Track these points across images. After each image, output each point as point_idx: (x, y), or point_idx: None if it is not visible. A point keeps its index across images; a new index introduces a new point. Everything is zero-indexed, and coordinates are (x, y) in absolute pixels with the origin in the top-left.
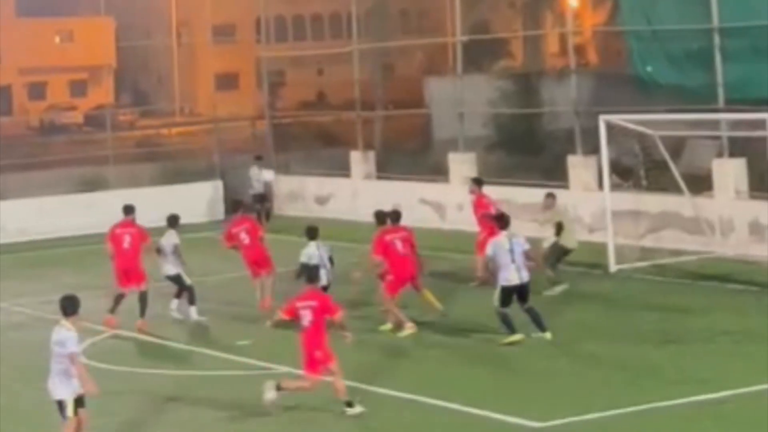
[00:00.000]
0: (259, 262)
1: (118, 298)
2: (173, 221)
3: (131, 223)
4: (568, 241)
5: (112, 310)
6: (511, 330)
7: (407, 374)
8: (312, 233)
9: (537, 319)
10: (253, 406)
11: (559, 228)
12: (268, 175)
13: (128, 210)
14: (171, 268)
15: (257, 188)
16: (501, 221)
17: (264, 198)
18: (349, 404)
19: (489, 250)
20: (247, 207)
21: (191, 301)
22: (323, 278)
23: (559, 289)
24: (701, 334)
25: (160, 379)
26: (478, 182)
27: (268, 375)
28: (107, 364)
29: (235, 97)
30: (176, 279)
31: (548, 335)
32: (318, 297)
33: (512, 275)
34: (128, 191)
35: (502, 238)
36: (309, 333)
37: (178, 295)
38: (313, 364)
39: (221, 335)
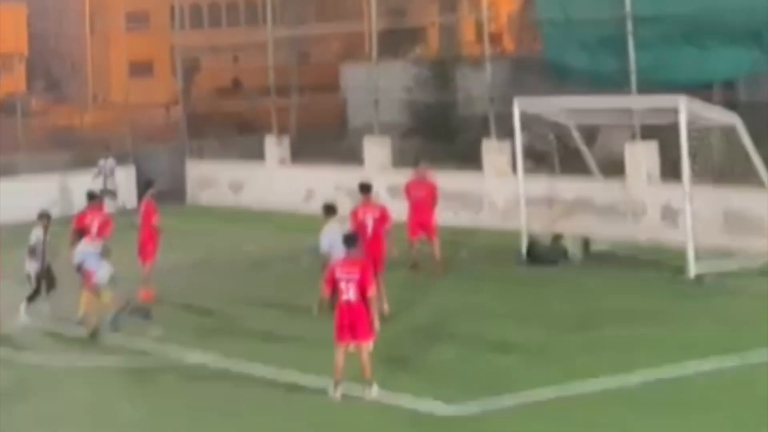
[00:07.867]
0: (140, 247)
1: None
2: (43, 217)
3: None
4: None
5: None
6: None
7: (321, 360)
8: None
9: None
10: (168, 396)
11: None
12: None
13: None
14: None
15: (111, 182)
16: (331, 209)
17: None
18: (369, 384)
19: (325, 242)
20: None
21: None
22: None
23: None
24: (612, 318)
25: (73, 372)
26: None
27: (180, 366)
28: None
29: (150, 84)
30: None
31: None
32: (360, 268)
33: None
34: (39, 178)
35: (335, 227)
36: (350, 307)
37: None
38: (344, 334)
39: (134, 326)
